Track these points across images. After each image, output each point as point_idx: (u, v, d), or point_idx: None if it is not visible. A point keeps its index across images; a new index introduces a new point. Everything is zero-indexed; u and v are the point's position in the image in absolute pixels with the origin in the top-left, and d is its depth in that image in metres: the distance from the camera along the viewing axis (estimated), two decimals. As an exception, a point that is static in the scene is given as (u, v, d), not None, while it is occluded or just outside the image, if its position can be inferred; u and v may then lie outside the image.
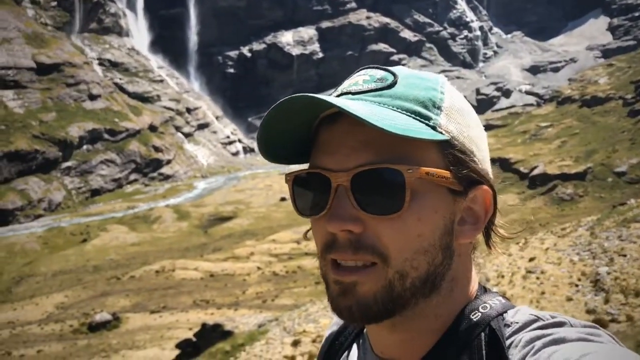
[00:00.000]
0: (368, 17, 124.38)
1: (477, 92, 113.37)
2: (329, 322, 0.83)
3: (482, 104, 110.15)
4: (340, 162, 0.69)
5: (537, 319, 0.68)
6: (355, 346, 0.86)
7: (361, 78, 0.74)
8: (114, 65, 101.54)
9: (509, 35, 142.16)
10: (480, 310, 0.72)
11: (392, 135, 0.64)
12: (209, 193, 77.98)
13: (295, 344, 15.77)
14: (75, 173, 76.20)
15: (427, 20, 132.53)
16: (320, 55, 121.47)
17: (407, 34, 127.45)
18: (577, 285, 15.02)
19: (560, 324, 0.66)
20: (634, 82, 77.84)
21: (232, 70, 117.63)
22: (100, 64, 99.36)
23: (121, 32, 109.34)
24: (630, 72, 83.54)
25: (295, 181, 0.75)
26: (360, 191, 0.68)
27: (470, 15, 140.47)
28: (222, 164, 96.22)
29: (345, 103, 0.66)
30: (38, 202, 68.58)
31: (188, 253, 50.55)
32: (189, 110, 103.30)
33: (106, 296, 39.39)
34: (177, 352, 23.97)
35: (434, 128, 0.69)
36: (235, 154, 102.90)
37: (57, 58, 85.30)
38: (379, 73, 0.74)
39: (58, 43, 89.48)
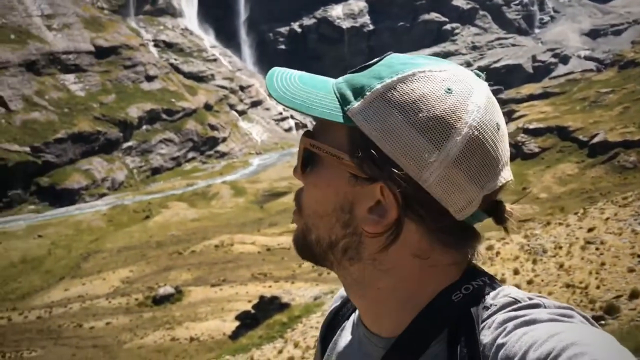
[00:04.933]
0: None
1: (534, 59, 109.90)
2: None
3: (539, 71, 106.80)
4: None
5: (515, 301, 0.70)
6: (352, 317, 0.89)
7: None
8: (168, 46, 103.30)
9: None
10: (463, 291, 0.73)
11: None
12: (263, 169, 78.99)
13: (351, 315, 16.03)
14: (136, 153, 78.47)
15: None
16: (371, 27, 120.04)
17: (459, 1, 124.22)
18: (639, 256, 14.67)
19: (534, 306, 0.68)
20: None
21: (283, 47, 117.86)
22: (156, 46, 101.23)
23: (174, 12, 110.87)
24: (699, 32, 79.15)
25: None
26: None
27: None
28: (276, 141, 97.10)
29: (274, 81, 0.77)
30: (102, 182, 71.12)
31: (245, 228, 51.58)
32: (242, 88, 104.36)
33: (169, 270, 40.68)
34: (236, 323, 24.64)
35: (344, 112, 0.72)
36: (288, 130, 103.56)
37: (114, 41, 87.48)
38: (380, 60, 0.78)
39: (115, 26, 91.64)
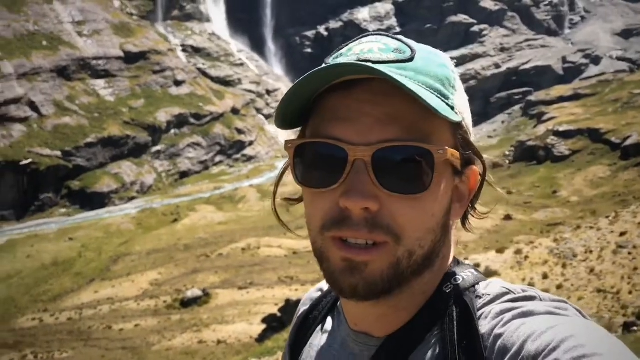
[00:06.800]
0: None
1: (564, 60, 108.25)
2: None
3: (569, 73, 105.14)
4: (361, 134, 0.66)
5: (508, 292, 0.69)
6: (329, 318, 0.87)
7: (375, 46, 0.70)
8: (196, 51, 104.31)
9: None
10: (453, 282, 0.73)
11: (420, 112, 0.64)
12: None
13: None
14: (165, 156, 79.35)
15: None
16: (398, 30, 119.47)
17: (487, 3, 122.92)
18: (672, 261, 14.27)
19: (530, 298, 0.68)
20: None
21: (309, 50, 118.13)
22: (184, 51, 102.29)
23: (202, 18, 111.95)
24: None
25: (298, 149, 0.73)
26: (382, 168, 0.65)
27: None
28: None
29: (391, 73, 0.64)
30: (131, 185, 72.03)
31: (272, 231, 51.71)
32: (268, 92, 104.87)
33: (197, 273, 40.99)
34: (263, 326, 24.73)
35: (452, 108, 0.68)
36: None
37: (143, 46, 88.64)
38: (393, 43, 0.71)
39: (143, 32, 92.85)
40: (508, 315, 0.65)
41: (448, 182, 0.69)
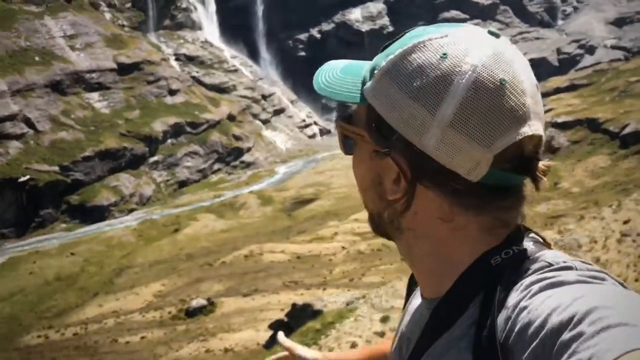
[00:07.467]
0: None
1: (558, 51, 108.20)
2: None
3: (565, 64, 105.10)
4: None
5: (549, 265, 0.69)
6: None
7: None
8: (189, 59, 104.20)
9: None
10: (502, 255, 0.74)
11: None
12: (289, 177, 79.06)
13: (384, 320, 15.85)
14: (163, 167, 79.16)
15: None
16: (391, 29, 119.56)
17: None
18: (679, 247, 14.14)
19: (565, 268, 0.67)
20: None
21: (303, 53, 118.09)
22: (177, 59, 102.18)
23: (194, 26, 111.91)
24: None
25: None
26: None
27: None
28: (300, 148, 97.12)
29: (320, 74, 0.85)
30: (130, 197, 71.84)
31: (274, 236, 51.57)
32: (264, 97, 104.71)
33: (200, 282, 40.82)
34: (270, 332, 24.58)
35: (361, 93, 0.79)
36: (312, 136, 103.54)
37: (136, 57, 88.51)
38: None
39: (136, 42, 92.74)
40: (535, 287, 0.64)
41: (361, 154, 0.82)
